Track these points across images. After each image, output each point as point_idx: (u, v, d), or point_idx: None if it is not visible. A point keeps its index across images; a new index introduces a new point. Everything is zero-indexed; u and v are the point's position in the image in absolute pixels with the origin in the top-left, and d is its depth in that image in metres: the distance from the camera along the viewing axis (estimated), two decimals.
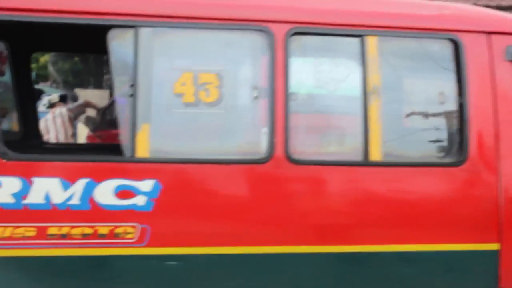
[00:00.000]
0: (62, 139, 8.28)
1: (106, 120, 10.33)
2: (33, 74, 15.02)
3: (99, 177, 3.37)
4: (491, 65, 3.74)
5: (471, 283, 3.69)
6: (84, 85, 19.14)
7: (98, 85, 18.16)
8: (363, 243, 3.57)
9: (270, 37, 3.55)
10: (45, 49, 10.30)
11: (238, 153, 3.60)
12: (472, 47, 3.73)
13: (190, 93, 3.50)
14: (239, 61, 3.72)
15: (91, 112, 10.26)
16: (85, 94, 13.27)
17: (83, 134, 10.38)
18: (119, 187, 3.38)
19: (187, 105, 3.51)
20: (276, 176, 3.51)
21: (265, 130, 3.54)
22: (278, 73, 3.53)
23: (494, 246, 3.66)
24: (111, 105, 9.88)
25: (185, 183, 3.47)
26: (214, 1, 3.65)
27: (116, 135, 3.76)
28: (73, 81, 19.96)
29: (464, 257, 3.65)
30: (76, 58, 20.05)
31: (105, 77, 17.26)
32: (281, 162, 3.50)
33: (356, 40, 3.65)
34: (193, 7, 3.57)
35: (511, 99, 3.75)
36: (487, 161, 3.67)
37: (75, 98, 10.21)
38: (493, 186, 3.66)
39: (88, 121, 10.20)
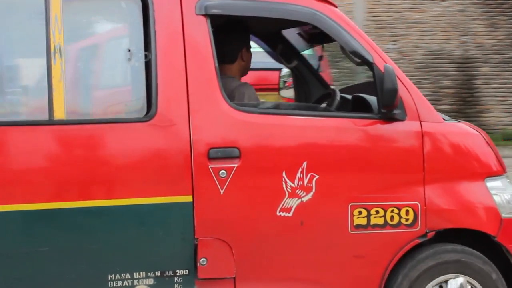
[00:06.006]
0: None
1: None
2: None
3: None
4: (182, 21, 3.76)
5: (168, 236, 3.74)
6: None
7: None
8: (56, 200, 3.56)
9: None
10: None
11: None
12: (161, 3, 3.73)
13: None
14: None
15: None
16: None
17: None
18: None
19: None
20: None
21: None
22: None
23: (188, 198, 3.73)
24: None
25: None
26: None
27: None
28: None
29: (159, 209, 3.70)
30: None
31: None
32: None
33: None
34: None
35: (200, 53, 3.77)
36: (178, 115, 3.71)
37: None
38: (185, 139, 3.70)
39: None
